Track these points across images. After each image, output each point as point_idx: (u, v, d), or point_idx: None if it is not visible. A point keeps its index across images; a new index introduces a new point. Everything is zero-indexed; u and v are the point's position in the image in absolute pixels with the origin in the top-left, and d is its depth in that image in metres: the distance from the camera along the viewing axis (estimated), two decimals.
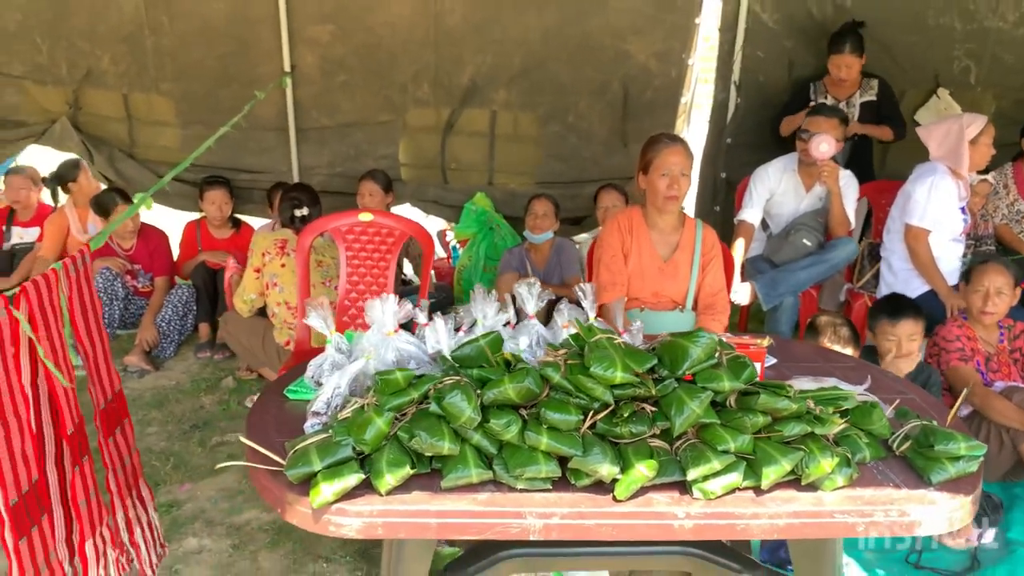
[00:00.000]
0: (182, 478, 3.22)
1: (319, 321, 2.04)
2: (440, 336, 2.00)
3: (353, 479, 1.51)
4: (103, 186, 4.89)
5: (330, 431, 1.64)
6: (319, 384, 1.97)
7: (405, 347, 2.01)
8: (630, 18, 4.67)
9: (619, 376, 1.58)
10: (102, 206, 4.49)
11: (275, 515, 2.94)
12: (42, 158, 5.56)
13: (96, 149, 4.87)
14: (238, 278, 3.98)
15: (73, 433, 1.91)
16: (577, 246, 4.63)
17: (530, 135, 5.10)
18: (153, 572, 2.27)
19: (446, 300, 4.72)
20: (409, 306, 2.07)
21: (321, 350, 3.28)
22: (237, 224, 4.95)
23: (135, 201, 2.44)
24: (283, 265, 3.65)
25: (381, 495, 1.52)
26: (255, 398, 3.85)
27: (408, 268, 5.14)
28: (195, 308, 4.59)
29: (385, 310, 2.03)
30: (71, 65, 4.75)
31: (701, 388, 1.61)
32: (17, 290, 1.84)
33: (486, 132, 5.07)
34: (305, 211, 3.78)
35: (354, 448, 1.57)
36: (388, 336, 2.01)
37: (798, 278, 3.97)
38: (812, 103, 4.44)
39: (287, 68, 4.76)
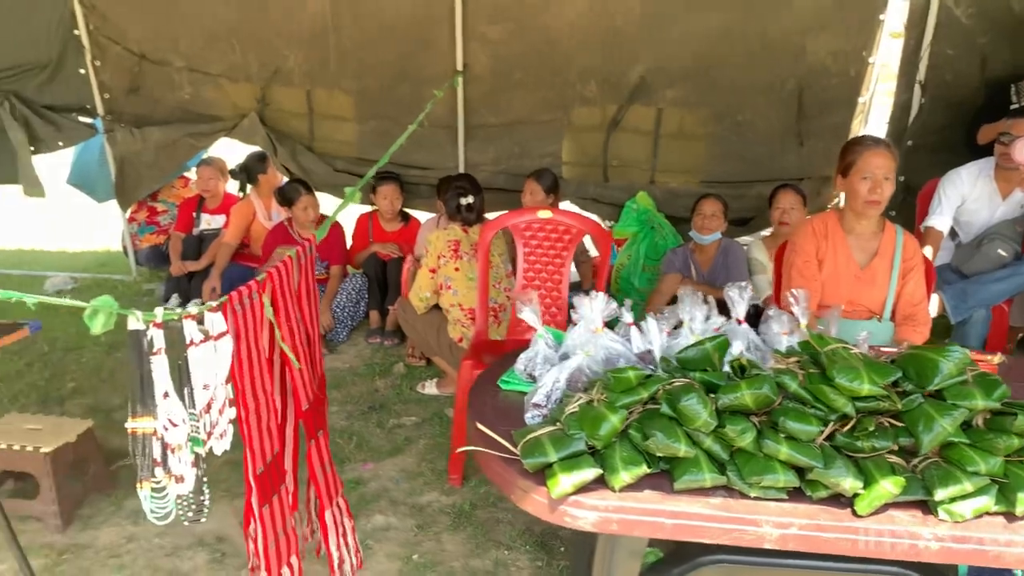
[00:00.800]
0: (364, 457, 3.39)
1: (531, 315, 2.09)
2: (652, 337, 2.02)
3: (590, 473, 1.54)
4: (285, 178, 5.20)
5: (558, 423, 1.68)
6: (532, 377, 2.03)
7: (612, 345, 2.03)
8: (811, 16, 4.52)
9: (866, 388, 1.53)
10: (286, 196, 4.78)
11: (454, 498, 3.06)
12: (227, 150, 5.96)
13: (280, 143, 5.18)
14: (414, 271, 4.14)
15: (308, 409, 2.05)
16: (745, 248, 4.53)
17: (696, 133, 5.03)
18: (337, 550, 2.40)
19: None
20: (615, 305, 2.10)
21: (499, 344, 3.35)
22: (406, 218, 5.15)
23: (345, 194, 2.58)
24: (456, 269, 3.76)
25: (614, 491, 1.55)
26: (427, 384, 4.02)
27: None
28: (366, 296, 4.82)
29: (593, 307, 2.06)
30: (261, 64, 5.07)
31: (952, 405, 1.55)
32: (264, 275, 1.99)
33: (650, 130, 5.04)
34: (470, 199, 3.87)
35: (585, 442, 1.61)
36: (596, 333, 2.05)
37: (991, 291, 3.73)
38: (1014, 106, 4.15)
39: (459, 67, 4.90)
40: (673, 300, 3.74)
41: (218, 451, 1.70)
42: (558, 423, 1.69)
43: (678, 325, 2.12)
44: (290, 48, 5.01)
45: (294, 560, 2.09)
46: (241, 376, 1.76)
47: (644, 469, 1.55)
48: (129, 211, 5.69)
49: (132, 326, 1.41)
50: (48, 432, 2.96)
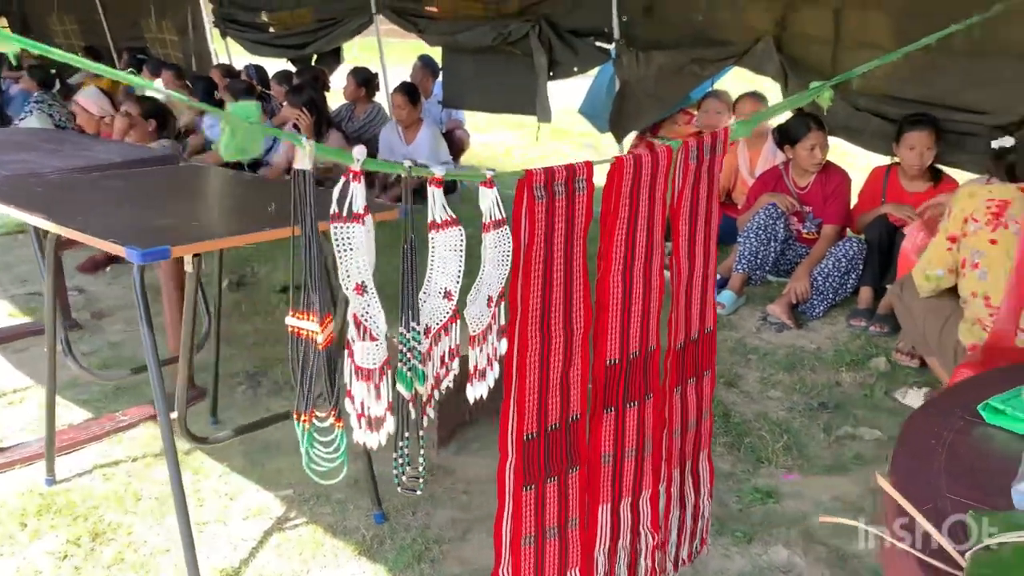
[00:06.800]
0: (790, 465, 2.55)
1: None
2: None
3: None
4: None
5: None
6: None
7: None
8: None
9: None
10: (788, 133, 4.04)
11: None
12: (732, 83, 5.34)
13: (793, 73, 4.36)
14: (919, 244, 3.03)
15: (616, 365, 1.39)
16: None
17: None
18: (675, 569, 1.71)
19: None
20: None
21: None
22: (937, 177, 3.91)
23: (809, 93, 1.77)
24: (994, 242, 2.53)
25: None
26: (911, 391, 2.98)
27: None
28: (860, 267, 3.81)
29: None
30: None
31: None
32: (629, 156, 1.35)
33: None
34: (1009, 141, 2.64)
35: None
36: None
37: None
38: None
39: None
40: None
41: (471, 397, 1.16)
42: None
43: None
44: None
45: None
46: (527, 294, 1.17)
47: None
48: (628, 146, 5.49)
49: (300, 163, 0.92)
50: None
